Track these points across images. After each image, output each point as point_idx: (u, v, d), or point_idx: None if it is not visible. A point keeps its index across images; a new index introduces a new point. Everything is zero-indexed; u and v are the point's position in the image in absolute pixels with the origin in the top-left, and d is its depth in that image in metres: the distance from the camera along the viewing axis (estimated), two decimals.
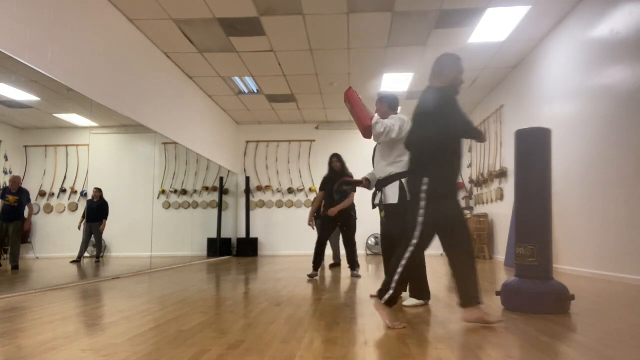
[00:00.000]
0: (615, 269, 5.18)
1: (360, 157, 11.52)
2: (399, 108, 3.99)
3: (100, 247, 7.57)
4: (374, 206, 3.96)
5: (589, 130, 5.78)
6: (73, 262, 7.10)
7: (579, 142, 6.00)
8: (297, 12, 6.22)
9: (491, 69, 8.33)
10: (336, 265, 7.48)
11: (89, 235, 7.38)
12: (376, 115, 3.67)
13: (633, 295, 4.14)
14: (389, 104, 3.85)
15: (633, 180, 4.90)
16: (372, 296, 3.93)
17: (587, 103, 5.83)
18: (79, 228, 7.31)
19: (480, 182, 10.22)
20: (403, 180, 3.58)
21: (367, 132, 3.62)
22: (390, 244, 3.73)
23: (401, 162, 3.62)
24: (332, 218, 5.82)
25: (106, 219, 7.42)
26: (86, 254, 7.74)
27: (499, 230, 9.21)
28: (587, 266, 5.75)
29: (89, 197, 7.44)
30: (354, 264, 5.85)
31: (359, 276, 5.67)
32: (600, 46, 5.51)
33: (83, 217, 7.42)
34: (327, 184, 5.93)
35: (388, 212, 3.67)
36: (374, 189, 3.95)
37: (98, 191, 7.44)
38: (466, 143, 12.09)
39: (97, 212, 7.39)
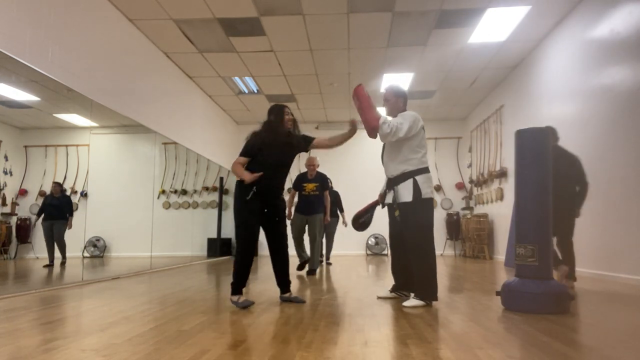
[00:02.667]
0: (615, 269, 5.18)
1: (360, 157, 11.55)
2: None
3: (63, 248, 6.84)
4: (383, 205, 3.90)
5: (589, 130, 5.78)
6: (46, 266, 6.67)
7: (579, 141, 5.99)
8: (297, 12, 6.22)
9: (491, 69, 8.33)
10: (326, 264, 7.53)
11: (51, 234, 6.78)
12: (383, 115, 3.60)
13: (633, 295, 4.14)
14: (404, 100, 3.77)
15: (633, 180, 4.90)
16: (379, 297, 3.89)
17: (587, 103, 5.83)
18: (34, 226, 6.83)
19: (480, 182, 10.22)
20: (417, 177, 3.53)
21: (373, 132, 3.56)
22: (401, 243, 3.68)
23: (414, 160, 3.55)
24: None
25: (72, 215, 6.85)
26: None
27: (499, 230, 9.21)
28: (587, 266, 5.75)
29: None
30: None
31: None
32: (600, 46, 5.51)
33: (39, 214, 6.78)
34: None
35: (402, 211, 3.59)
36: (384, 188, 3.85)
37: (58, 185, 6.84)
38: (466, 143, 12.12)
39: (58, 209, 6.78)
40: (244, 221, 3.53)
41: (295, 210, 6.36)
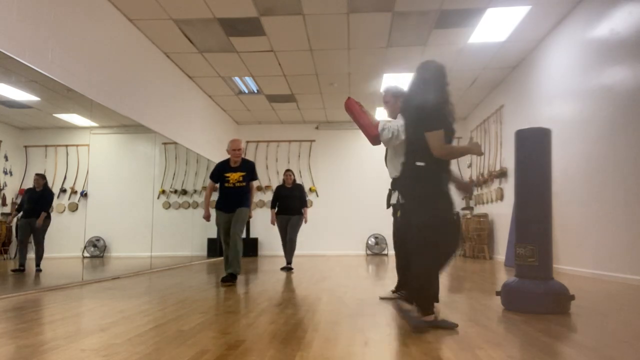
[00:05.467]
0: (615, 269, 5.18)
1: (360, 157, 11.55)
2: None
3: (40, 250, 5.94)
4: (388, 206, 3.87)
5: (589, 130, 5.78)
6: (15, 270, 5.91)
7: (579, 142, 6.00)
8: (297, 12, 6.22)
9: (491, 69, 8.33)
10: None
11: (28, 234, 5.96)
12: (381, 121, 3.52)
13: (633, 295, 4.15)
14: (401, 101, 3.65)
15: (633, 180, 4.90)
16: (381, 298, 3.85)
17: (587, 103, 5.83)
18: (9, 223, 6.09)
19: (480, 182, 10.22)
20: None
21: (375, 141, 3.52)
22: (402, 244, 3.64)
23: None
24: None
25: (46, 211, 5.99)
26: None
27: (499, 230, 9.21)
28: (587, 266, 5.75)
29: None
30: None
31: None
32: (600, 46, 5.51)
33: (18, 210, 6.00)
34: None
35: (403, 212, 3.49)
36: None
37: (41, 178, 6.01)
38: (466, 143, 12.10)
39: (38, 204, 5.97)
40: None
41: (216, 208, 5.31)
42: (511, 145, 4.73)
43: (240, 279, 5.82)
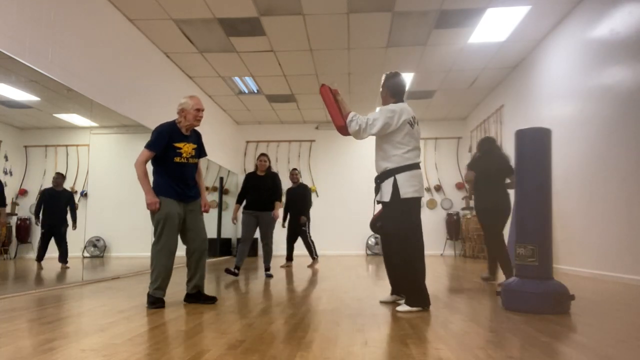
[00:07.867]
0: (615, 269, 5.18)
1: (361, 157, 11.55)
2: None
3: None
4: (376, 203, 3.82)
5: (589, 130, 5.78)
6: None
7: (579, 142, 6.00)
8: (297, 12, 6.22)
9: (491, 69, 8.33)
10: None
11: None
12: (351, 112, 3.41)
13: (633, 295, 4.14)
14: (389, 90, 3.53)
15: (633, 180, 4.90)
16: (381, 302, 3.68)
17: (587, 103, 5.83)
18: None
19: None
20: (397, 176, 3.31)
21: (342, 131, 3.43)
22: (388, 244, 3.59)
23: (395, 157, 3.33)
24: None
25: (3, 206, 5.19)
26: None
27: None
28: (587, 266, 5.75)
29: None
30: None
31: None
32: (600, 46, 5.51)
33: None
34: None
35: (384, 210, 3.42)
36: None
37: None
38: (466, 143, 12.08)
39: None
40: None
41: (161, 195, 3.74)
42: (511, 145, 4.73)
43: (241, 278, 5.81)
